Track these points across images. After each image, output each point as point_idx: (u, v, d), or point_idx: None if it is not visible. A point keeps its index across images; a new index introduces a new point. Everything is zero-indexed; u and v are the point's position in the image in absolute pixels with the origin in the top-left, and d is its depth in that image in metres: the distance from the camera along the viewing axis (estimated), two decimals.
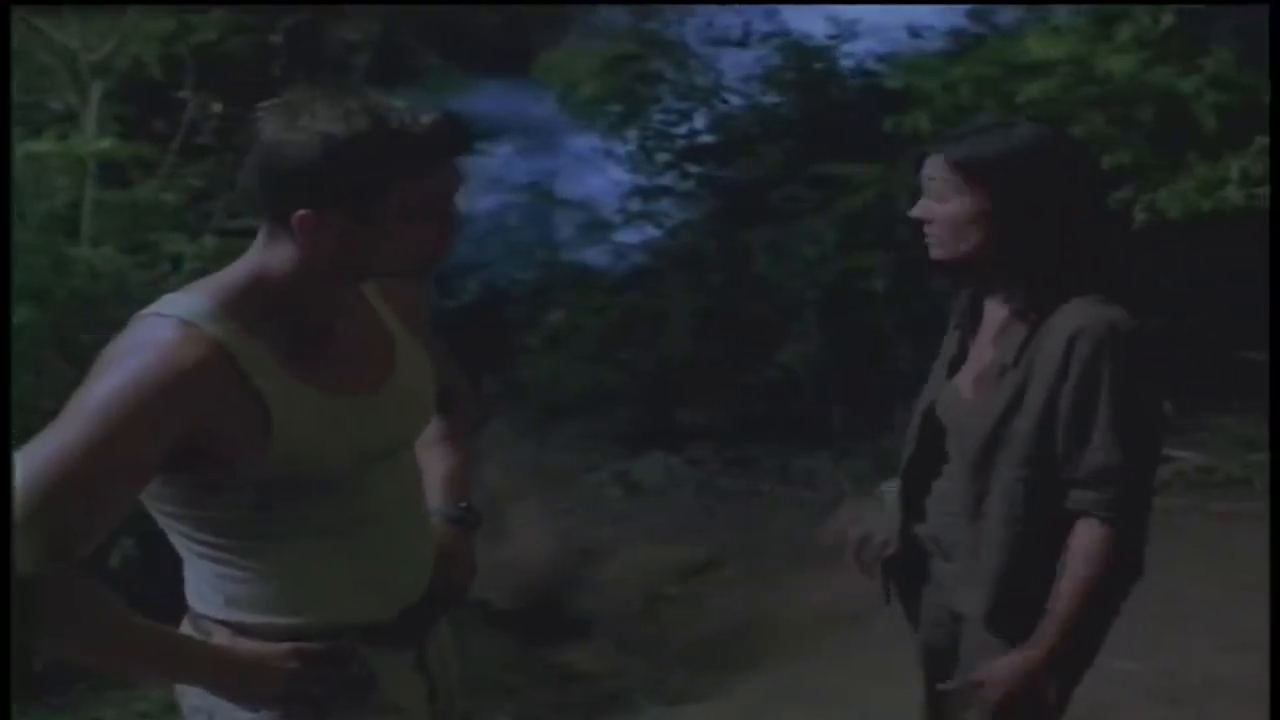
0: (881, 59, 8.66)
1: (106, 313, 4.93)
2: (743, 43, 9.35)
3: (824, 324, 7.90)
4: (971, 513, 2.55)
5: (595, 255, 9.31)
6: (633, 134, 9.22)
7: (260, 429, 1.90)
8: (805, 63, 8.91)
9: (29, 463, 1.74)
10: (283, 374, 1.94)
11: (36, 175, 5.46)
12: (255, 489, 1.93)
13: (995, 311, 2.60)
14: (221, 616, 2.02)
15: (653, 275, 8.87)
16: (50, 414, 1.83)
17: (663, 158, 9.20)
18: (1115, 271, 2.54)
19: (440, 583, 2.21)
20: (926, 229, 2.55)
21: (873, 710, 4.57)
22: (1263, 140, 6.22)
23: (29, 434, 1.81)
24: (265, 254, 1.97)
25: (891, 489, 2.96)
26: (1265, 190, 6.08)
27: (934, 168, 2.54)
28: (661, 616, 5.86)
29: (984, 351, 2.61)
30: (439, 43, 9.64)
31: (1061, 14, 7.30)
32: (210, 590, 2.03)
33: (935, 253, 2.56)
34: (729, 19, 9.45)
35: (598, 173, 9.52)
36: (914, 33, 8.57)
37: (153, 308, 1.94)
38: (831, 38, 8.88)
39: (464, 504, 2.38)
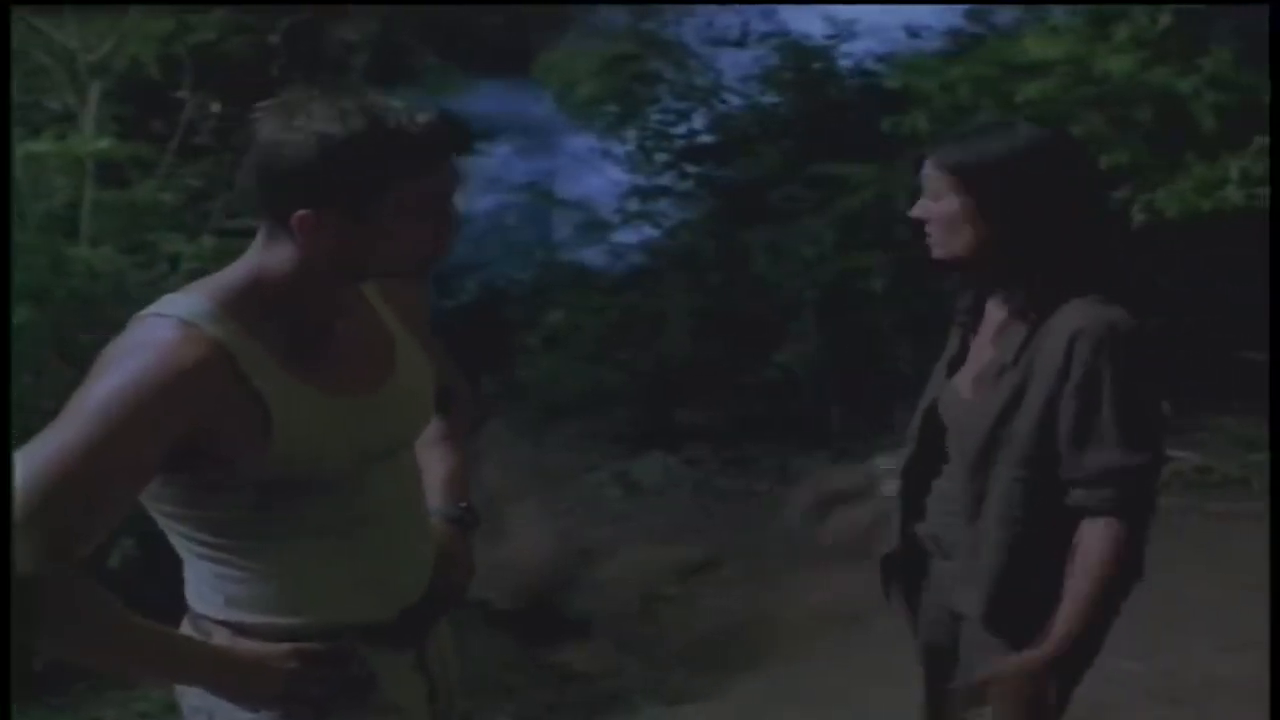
0: (880, 59, 8.66)
1: (105, 313, 4.93)
2: (741, 43, 9.34)
3: (822, 324, 7.91)
4: (971, 513, 2.55)
5: (594, 255, 9.30)
6: (631, 134, 9.23)
7: (260, 429, 1.90)
8: (804, 63, 8.91)
9: (29, 463, 1.74)
10: (282, 374, 1.94)
11: (35, 175, 5.45)
12: (255, 489, 1.93)
13: (995, 311, 2.60)
14: (221, 617, 2.02)
15: (651, 275, 8.87)
16: (50, 414, 1.83)
17: (661, 158, 9.20)
18: (1114, 272, 2.54)
19: (440, 583, 2.21)
20: (926, 229, 2.56)
21: (872, 710, 4.57)
22: (1262, 140, 6.22)
23: (29, 434, 1.80)
24: (264, 254, 1.97)
25: (887, 465, 2.99)
26: (1264, 190, 6.08)
27: (929, 168, 2.56)
28: (660, 616, 5.86)
29: (984, 351, 2.62)
30: (438, 43, 9.63)
31: (1059, 14, 7.30)
32: (210, 590, 2.03)
33: (935, 252, 2.58)
34: (728, 19, 9.45)
35: (596, 173, 9.51)
36: (912, 33, 8.57)
37: (152, 308, 1.94)
38: (830, 38, 8.88)
39: (463, 504, 2.38)
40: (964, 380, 2.64)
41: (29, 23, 5.71)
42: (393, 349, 2.15)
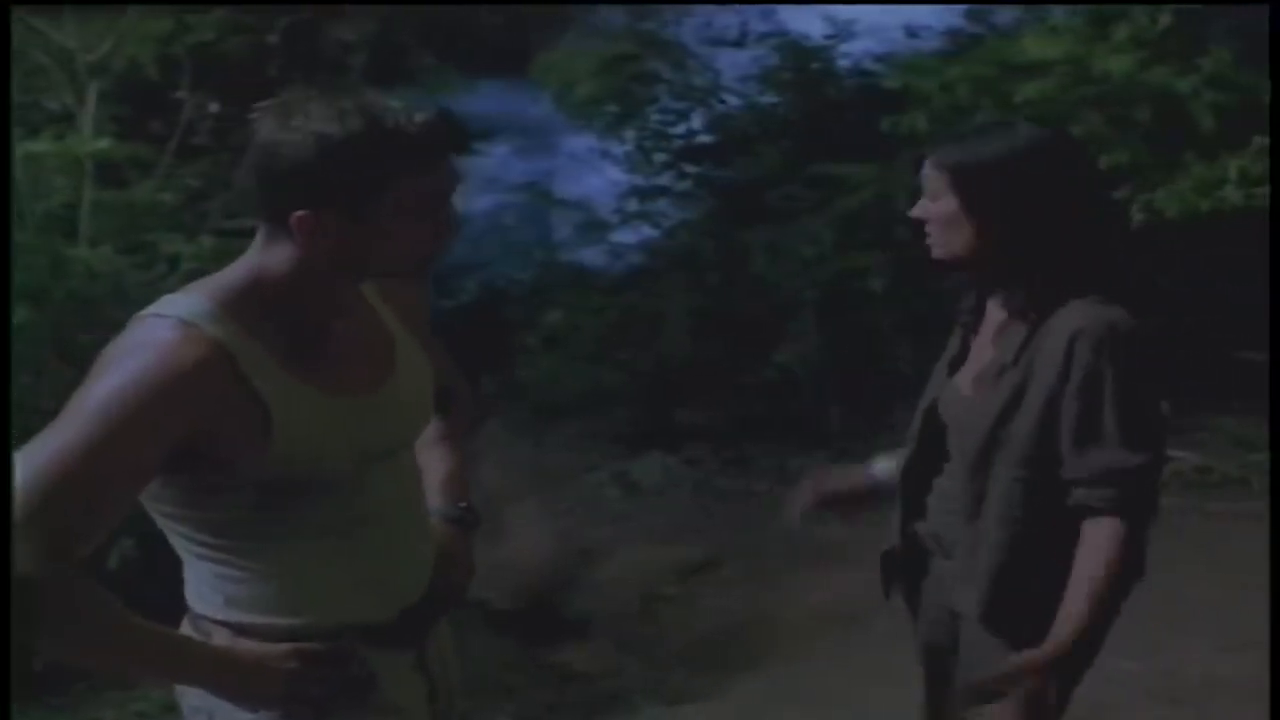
0: (879, 59, 8.64)
1: (104, 313, 4.93)
2: (740, 43, 9.33)
3: (822, 324, 7.90)
4: (970, 512, 2.56)
5: (593, 255, 9.29)
6: (630, 134, 9.21)
7: (260, 429, 1.90)
8: (803, 63, 8.89)
9: (29, 463, 1.74)
10: (282, 374, 1.94)
11: (34, 175, 5.45)
12: (255, 490, 1.93)
13: (996, 311, 2.61)
14: (221, 617, 2.02)
15: (650, 275, 8.85)
16: (49, 414, 1.83)
17: (660, 158, 9.19)
18: (1114, 272, 2.54)
19: (440, 583, 2.21)
20: (926, 229, 2.57)
21: (871, 710, 4.57)
22: (1261, 140, 6.22)
23: (28, 434, 1.80)
24: (264, 254, 1.97)
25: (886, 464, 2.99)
26: (1264, 190, 6.08)
27: (928, 168, 2.57)
28: (660, 616, 5.85)
29: (984, 351, 2.62)
30: (436, 43, 9.63)
31: (1059, 14, 7.30)
32: (210, 591, 2.03)
33: (935, 253, 2.59)
34: (726, 19, 9.44)
35: (595, 173, 9.50)
36: (911, 33, 8.56)
37: (152, 308, 1.94)
38: (829, 38, 8.87)
39: (463, 504, 2.38)
40: (964, 379, 2.65)
41: (27, 23, 5.71)
42: (393, 349, 2.15)
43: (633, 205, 9.21)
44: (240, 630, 2.01)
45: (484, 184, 9.04)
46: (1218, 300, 6.89)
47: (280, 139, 1.87)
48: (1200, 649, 4.73)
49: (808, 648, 5.25)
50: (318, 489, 1.99)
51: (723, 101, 9.15)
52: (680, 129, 9.18)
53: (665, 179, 9.21)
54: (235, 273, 1.99)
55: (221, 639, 2.01)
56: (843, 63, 8.89)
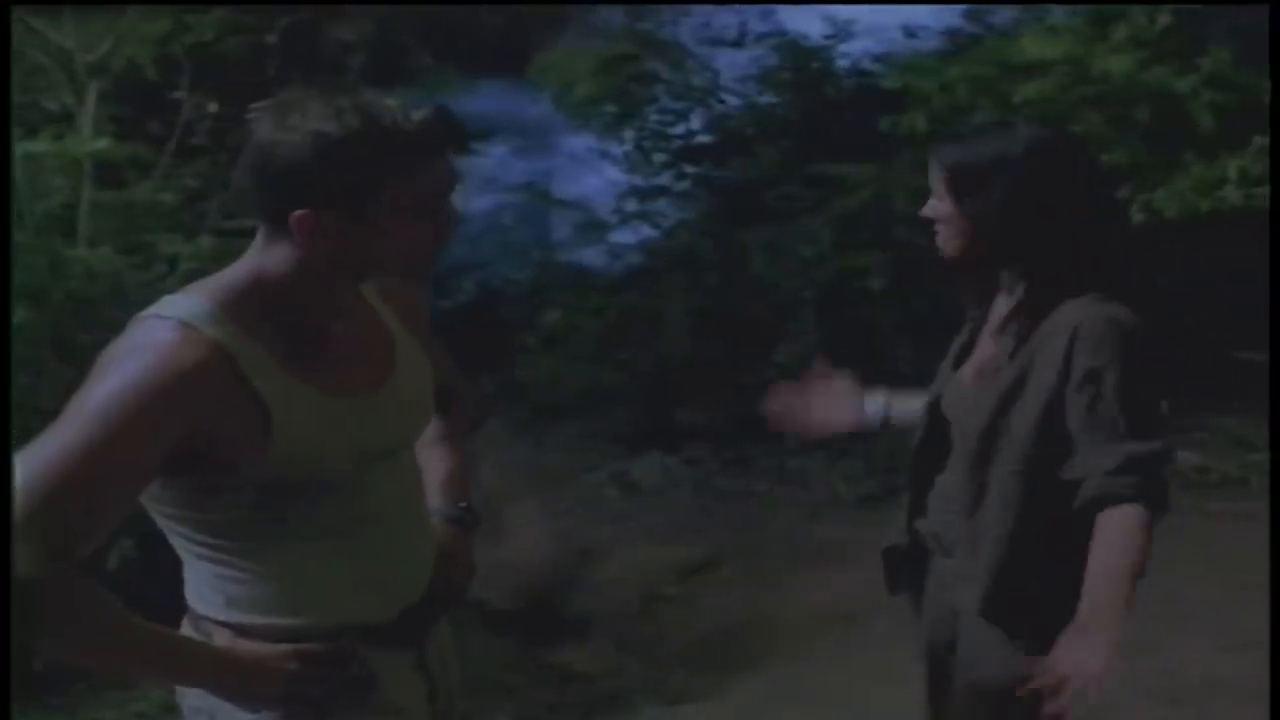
0: (878, 59, 8.64)
1: (104, 313, 4.92)
2: (739, 43, 9.32)
3: (821, 324, 7.89)
4: (970, 508, 2.56)
5: (591, 255, 9.28)
6: (629, 134, 9.20)
7: (260, 430, 1.90)
8: (801, 63, 8.89)
9: (29, 464, 1.74)
10: (282, 375, 1.94)
11: (33, 176, 5.44)
12: (255, 490, 1.93)
13: (1000, 308, 2.63)
14: (222, 618, 2.02)
15: (649, 275, 8.85)
16: (48, 414, 1.83)
17: (659, 158, 9.19)
18: (1114, 271, 2.55)
19: (440, 583, 2.21)
20: (935, 227, 2.59)
21: (871, 710, 4.57)
22: (1261, 140, 6.22)
23: (28, 434, 1.80)
24: (263, 255, 1.97)
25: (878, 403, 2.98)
26: (1263, 190, 6.08)
27: (933, 169, 2.58)
28: (660, 616, 5.85)
29: (987, 346, 2.64)
30: (435, 43, 9.62)
31: (1058, 14, 7.30)
32: (210, 591, 2.03)
33: (942, 251, 2.60)
34: (725, 19, 9.43)
35: (594, 173, 9.49)
36: (910, 33, 8.55)
37: (152, 309, 1.94)
38: (828, 38, 8.87)
39: (463, 504, 2.38)
40: (968, 374, 2.67)
41: (27, 23, 5.70)
42: (392, 349, 2.15)
43: (632, 205, 9.21)
44: (241, 631, 2.01)
45: (483, 184, 9.03)
46: (1218, 300, 6.89)
47: (278, 139, 1.87)
48: (1200, 649, 4.73)
49: (808, 648, 5.25)
50: (318, 489, 1.99)
51: (722, 101, 9.15)
52: (679, 129, 9.18)
53: (664, 179, 9.21)
54: (235, 273, 1.99)
55: (222, 639, 2.01)
56: (841, 63, 8.88)
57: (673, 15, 9.56)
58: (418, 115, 1.91)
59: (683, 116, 9.17)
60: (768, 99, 9.01)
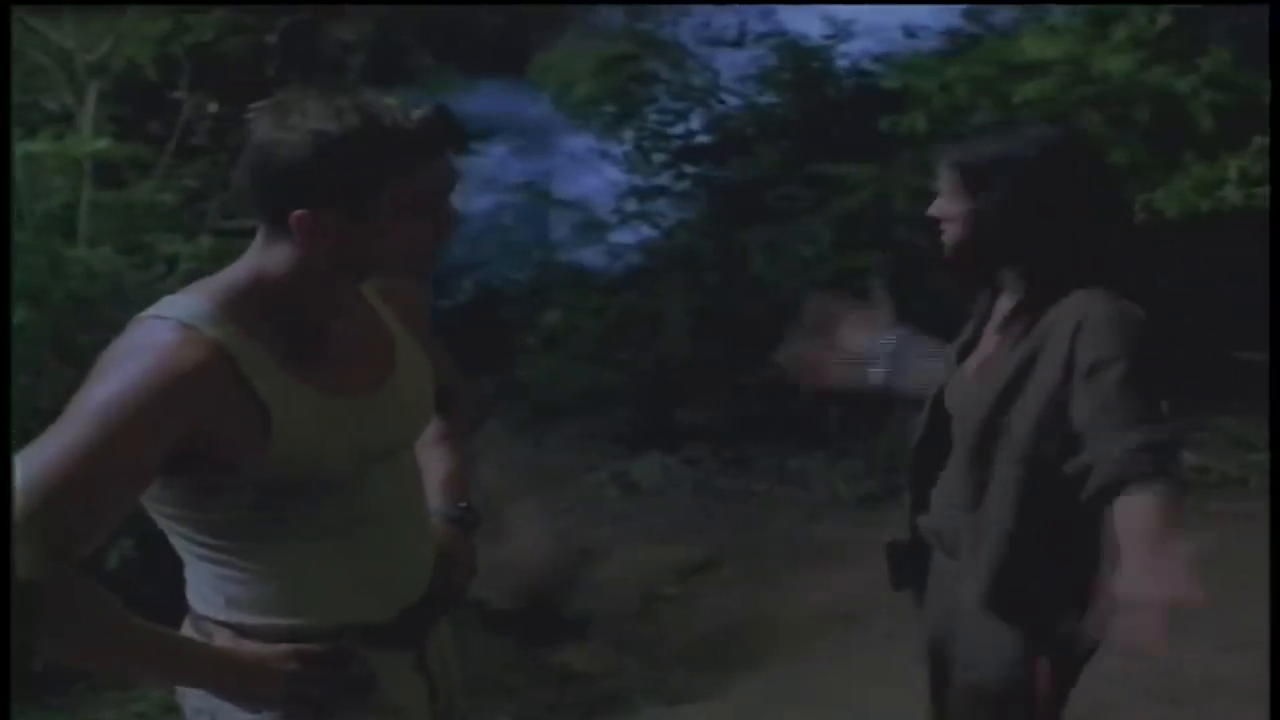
0: (877, 59, 8.64)
1: (103, 313, 4.93)
2: (738, 43, 9.32)
3: None
4: (971, 503, 2.56)
5: (591, 255, 9.28)
6: (629, 134, 9.20)
7: (260, 430, 1.90)
8: (801, 63, 8.89)
9: (29, 465, 1.73)
10: (282, 375, 1.94)
11: (33, 176, 5.44)
12: (255, 490, 1.93)
13: (1003, 303, 2.64)
14: (222, 618, 2.02)
15: (649, 275, 8.85)
16: (48, 414, 1.83)
17: (659, 158, 9.19)
18: (1117, 268, 2.55)
19: (440, 583, 2.21)
20: (941, 226, 2.60)
21: (871, 710, 4.57)
22: (1261, 140, 6.22)
23: (27, 434, 1.80)
24: (264, 255, 1.97)
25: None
26: (1263, 190, 6.08)
27: (942, 168, 2.59)
28: (660, 616, 5.85)
29: (989, 342, 2.65)
30: (436, 43, 9.62)
31: (1058, 14, 7.29)
32: (211, 592, 2.03)
33: (948, 250, 2.61)
34: (725, 19, 9.43)
35: (593, 173, 9.49)
36: (909, 33, 8.55)
37: (152, 310, 1.94)
38: (827, 38, 8.87)
39: (464, 504, 2.38)
40: (970, 368, 2.67)
41: (26, 23, 5.70)
42: (393, 349, 2.15)
43: (631, 205, 9.21)
44: (241, 631, 2.01)
45: (482, 184, 9.03)
46: (1218, 300, 6.89)
47: (277, 138, 1.87)
48: (1200, 649, 4.72)
49: (808, 648, 5.25)
50: (318, 489, 1.99)
51: (721, 101, 9.15)
52: (679, 129, 9.18)
53: (664, 179, 9.21)
54: (235, 273, 1.99)
55: (223, 640, 2.01)
56: (841, 63, 8.88)
57: (673, 15, 9.56)
58: (418, 114, 1.91)
59: (683, 116, 9.16)
60: (768, 99, 9.01)
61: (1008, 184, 2.52)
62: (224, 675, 1.98)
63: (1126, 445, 2.31)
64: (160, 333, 1.88)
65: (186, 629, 2.07)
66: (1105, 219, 2.61)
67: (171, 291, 2.00)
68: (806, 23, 9.00)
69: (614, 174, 9.34)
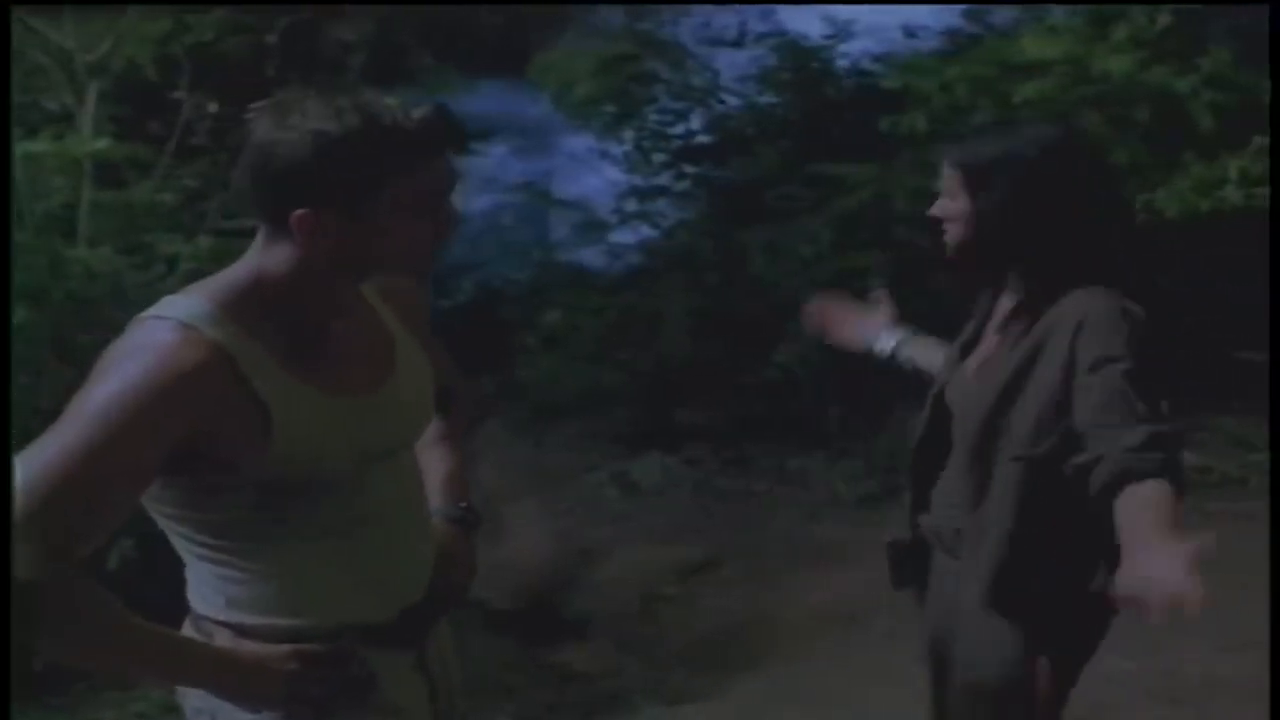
0: (877, 59, 8.64)
1: (103, 313, 4.93)
2: (738, 43, 9.32)
3: None
4: (972, 502, 2.56)
5: (591, 255, 9.29)
6: (629, 134, 9.20)
7: (260, 430, 1.90)
8: (801, 63, 8.89)
9: (29, 466, 1.73)
10: (282, 375, 1.94)
11: (33, 176, 5.44)
12: (255, 490, 1.93)
13: (1004, 303, 2.64)
14: (223, 618, 2.02)
15: (649, 275, 8.85)
16: (48, 414, 1.83)
17: (659, 158, 9.18)
18: (1116, 270, 2.55)
19: (440, 583, 2.20)
20: (943, 226, 2.60)
21: (871, 710, 4.57)
22: (1261, 140, 6.22)
23: (27, 435, 1.80)
24: (264, 255, 1.97)
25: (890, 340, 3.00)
26: (1263, 190, 6.08)
27: (945, 168, 2.59)
28: (660, 616, 5.85)
29: (990, 341, 2.65)
30: (436, 43, 9.62)
31: (1058, 14, 7.29)
32: (211, 592, 2.03)
33: (950, 250, 2.61)
34: (725, 19, 9.43)
35: (593, 173, 9.49)
36: (909, 33, 8.55)
37: (152, 310, 1.94)
38: (827, 38, 8.86)
39: (464, 504, 2.38)
40: (971, 367, 2.67)
41: (26, 23, 5.70)
42: (393, 349, 2.15)
43: (631, 205, 9.21)
44: (241, 631, 2.01)
45: (482, 184, 9.04)
46: (1218, 300, 6.88)
47: (277, 138, 1.87)
48: (1200, 649, 4.72)
49: (808, 648, 5.25)
50: (318, 489, 1.99)
51: (721, 101, 9.15)
52: (679, 129, 9.18)
53: (664, 179, 9.21)
54: (235, 274, 1.99)
55: (223, 640, 2.01)
56: (841, 63, 8.88)
57: (673, 15, 9.56)
58: (418, 114, 1.91)
59: (683, 116, 9.16)
60: (768, 99, 9.01)
61: (1010, 184, 2.52)
62: (224, 675, 1.98)
63: (1131, 441, 2.28)
64: (160, 333, 1.88)
65: (187, 629, 2.07)
66: (1107, 218, 2.61)
67: (171, 291, 2.00)
68: (806, 23, 9.00)
69: (614, 174, 9.35)
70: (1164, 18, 6.70)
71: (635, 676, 5.27)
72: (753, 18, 9.29)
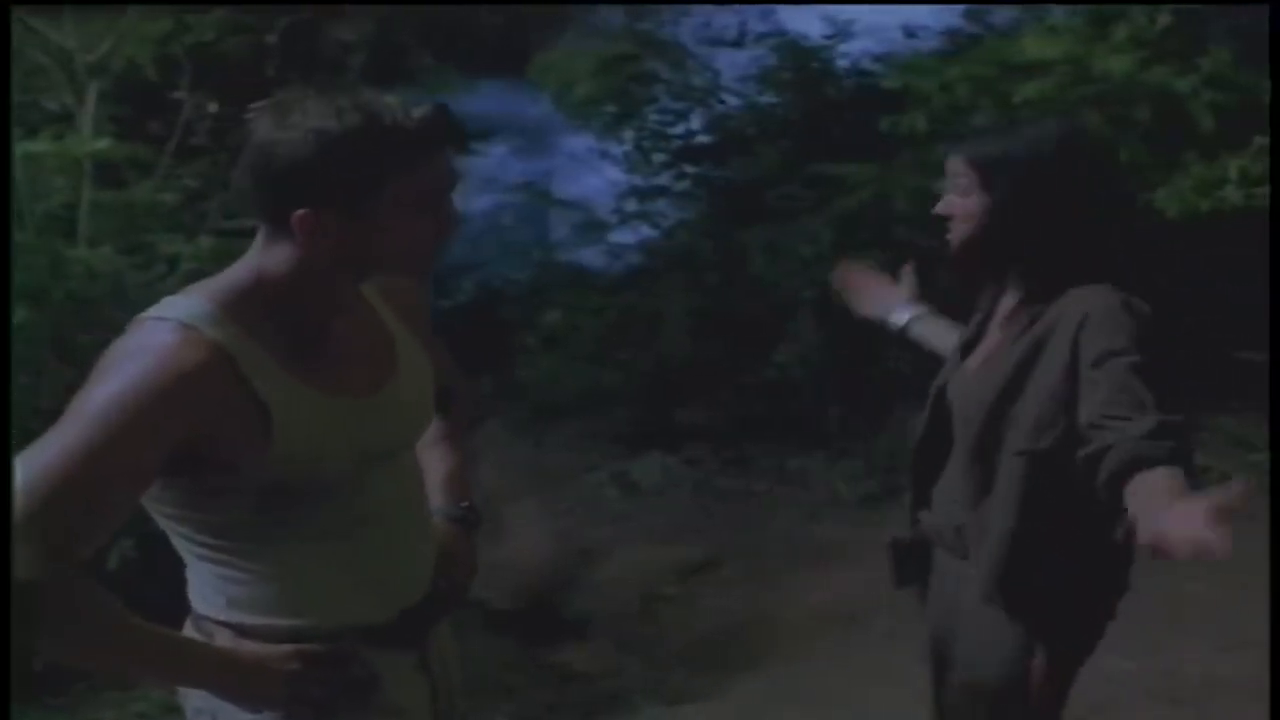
0: (878, 59, 8.63)
1: (104, 313, 4.92)
2: (738, 43, 9.32)
3: (820, 324, 7.88)
4: (974, 499, 2.56)
5: (591, 255, 9.28)
6: (629, 134, 9.20)
7: (260, 431, 1.90)
8: (801, 63, 8.88)
9: (29, 466, 1.73)
10: (283, 375, 1.94)
11: (33, 176, 5.44)
12: (256, 491, 1.93)
13: (1007, 300, 2.63)
14: (223, 618, 2.02)
15: (649, 275, 8.85)
16: (48, 414, 1.83)
17: (659, 158, 9.18)
18: (1119, 267, 2.54)
19: (442, 583, 2.21)
20: (949, 224, 2.58)
21: (871, 710, 4.57)
22: (1261, 140, 6.21)
23: (27, 435, 1.80)
24: (264, 255, 1.97)
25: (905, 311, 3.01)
26: (1264, 190, 6.07)
27: (959, 164, 2.56)
28: (660, 616, 5.85)
29: (993, 337, 2.64)
30: (436, 43, 9.62)
31: (1058, 14, 7.29)
32: (212, 592, 2.03)
33: (955, 248, 2.59)
34: (725, 19, 9.43)
35: (593, 173, 9.49)
36: (909, 33, 8.55)
37: (152, 311, 1.94)
38: (827, 38, 8.86)
39: (465, 503, 2.38)
40: (973, 363, 2.66)
41: (26, 23, 5.70)
42: (393, 349, 2.15)
43: (631, 205, 9.20)
44: (242, 631, 2.01)
45: (482, 184, 9.04)
46: (1218, 300, 6.88)
47: (278, 138, 1.87)
48: (1200, 649, 4.73)
49: (808, 648, 5.25)
50: (318, 490, 1.99)
51: (722, 101, 9.15)
52: (679, 129, 9.17)
53: (664, 179, 9.20)
54: (236, 274, 1.99)
55: (224, 640, 2.02)
56: (841, 63, 8.87)
57: (673, 15, 9.56)
58: (418, 112, 1.91)
59: (683, 116, 9.16)
60: (768, 99, 9.00)
61: (1029, 181, 2.50)
62: (225, 676, 1.98)
63: (1141, 429, 2.24)
64: (160, 334, 1.88)
65: (187, 629, 2.07)
66: (1116, 216, 2.60)
67: (172, 291, 2.00)
68: (806, 23, 8.99)
69: (614, 174, 9.34)
70: (1164, 18, 6.69)
71: (635, 676, 5.27)
72: (753, 18, 9.29)
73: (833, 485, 7.11)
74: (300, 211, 1.88)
